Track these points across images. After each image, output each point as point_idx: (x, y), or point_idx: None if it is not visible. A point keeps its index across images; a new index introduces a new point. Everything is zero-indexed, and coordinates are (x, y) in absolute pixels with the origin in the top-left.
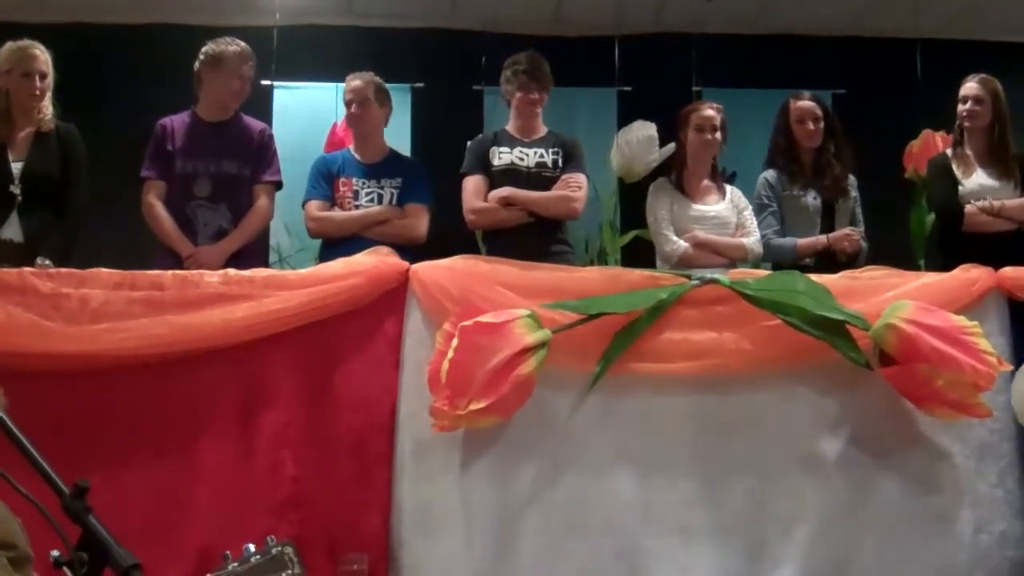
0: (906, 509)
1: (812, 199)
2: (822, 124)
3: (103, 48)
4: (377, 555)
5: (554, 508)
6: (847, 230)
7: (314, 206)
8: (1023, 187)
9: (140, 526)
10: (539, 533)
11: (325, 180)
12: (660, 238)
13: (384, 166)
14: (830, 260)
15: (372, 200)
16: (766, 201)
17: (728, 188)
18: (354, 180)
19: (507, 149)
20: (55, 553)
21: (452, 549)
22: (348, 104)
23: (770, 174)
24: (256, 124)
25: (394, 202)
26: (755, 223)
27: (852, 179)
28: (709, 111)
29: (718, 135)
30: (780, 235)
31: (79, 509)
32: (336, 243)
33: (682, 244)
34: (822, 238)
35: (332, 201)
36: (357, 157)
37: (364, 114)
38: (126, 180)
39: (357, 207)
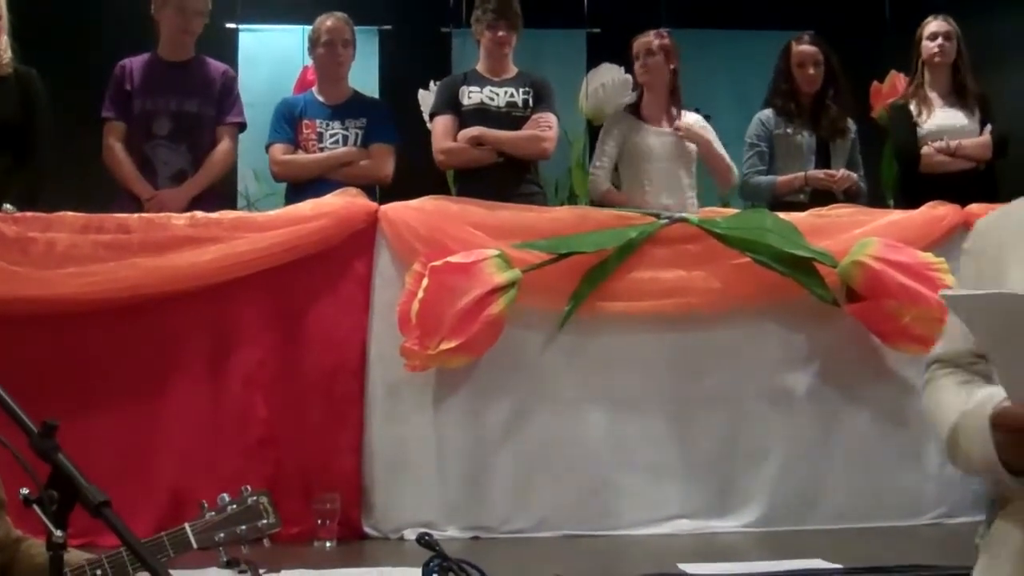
0: (873, 443)
1: (807, 138)
2: (822, 68)
3: None
4: (350, 494)
5: (525, 446)
6: (823, 172)
7: (278, 149)
8: (982, 124)
9: (112, 468)
10: (511, 471)
11: (288, 123)
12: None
13: (348, 107)
14: (829, 199)
15: (337, 142)
16: (755, 140)
17: (690, 117)
18: (317, 122)
19: (477, 88)
20: (24, 491)
21: (424, 488)
22: (327, 44)
23: (764, 114)
24: (218, 65)
25: (359, 143)
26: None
27: (851, 122)
28: (645, 37)
29: (658, 58)
30: (765, 175)
31: (48, 447)
32: (302, 186)
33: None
34: (800, 175)
35: (296, 144)
36: (320, 99)
37: (345, 55)
38: (89, 122)
39: (322, 149)
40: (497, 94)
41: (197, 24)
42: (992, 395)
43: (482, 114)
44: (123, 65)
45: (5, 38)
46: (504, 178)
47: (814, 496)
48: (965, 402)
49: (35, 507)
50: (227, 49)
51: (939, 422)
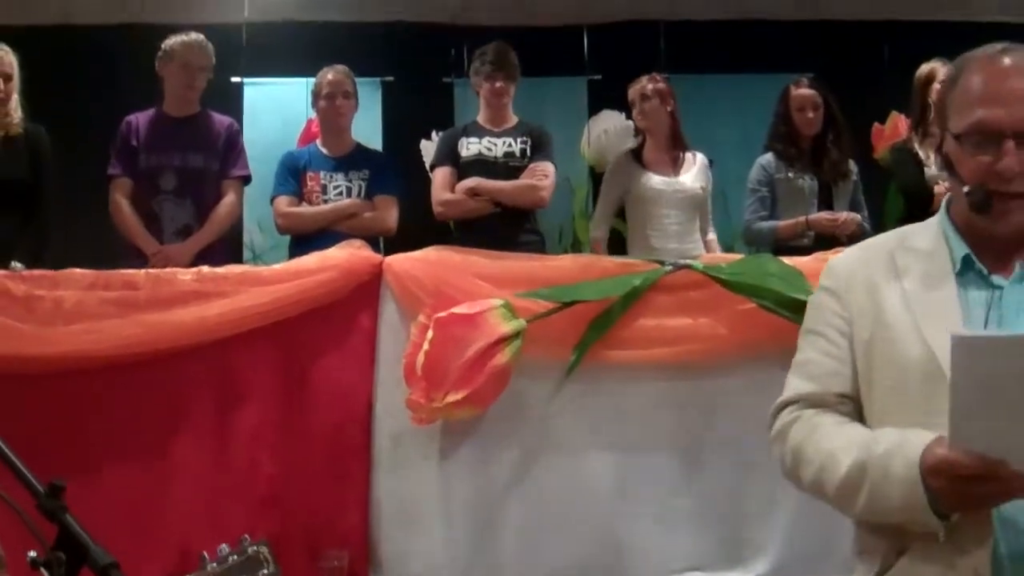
0: None
1: (808, 181)
2: (822, 111)
3: (71, 49)
4: (357, 551)
5: (533, 498)
6: (827, 213)
7: (282, 202)
8: None
9: (119, 526)
10: (519, 523)
11: (292, 175)
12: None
13: (351, 159)
14: (834, 242)
15: (340, 194)
16: (756, 186)
17: (697, 159)
18: (321, 174)
19: (475, 139)
20: (32, 554)
21: (432, 542)
22: (328, 96)
23: (765, 159)
24: (223, 119)
25: (363, 195)
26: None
27: (852, 164)
28: (640, 83)
29: (654, 102)
30: (767, 220)
31: (55, 508)
32: (306, 238)
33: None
34: (802, 219)
35: (300, 196)
36: (324, 151)
37: (346, 106)
38: (97, 179)
39: (326, 201)
40: (495, 144)
41: (201, 80)
42: (907, 438)
43: (480, 165)
44: (128, 121)
45: (16, 97)
46: (502, 228)
47: (827, 546)
48: (868, 443)
49: (42, 570)
50: (233, 102)
51: (824, 464)
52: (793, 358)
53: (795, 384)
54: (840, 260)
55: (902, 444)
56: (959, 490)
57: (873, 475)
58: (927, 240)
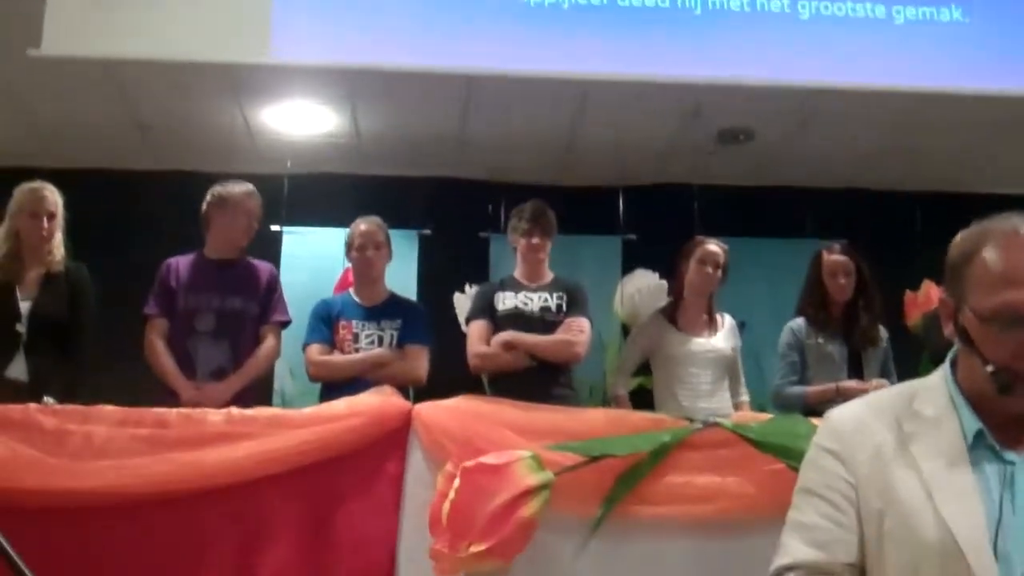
0: None
1: (839, 347)
2: (854, 278)
3: (117, 193)
4: None
5: None
6: (857, 381)
7: (314, 350)
8: None
9: None
10: None
11: (325, 323)
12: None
13: (384, 308)
14: None
15: (372, 342)
16: (786, 350)
17: (726, 321)
18: (354, 323)
19: (512, 294)
20: None
21: None
22: (360, 247)
23: (796, 323)
24: (263, 265)
25: (394, 344)
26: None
27: (883, 331)
28: (713, 246)
29: (719, 272)
30: (797, 384)
31: None
32: (336, 386)
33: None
34: (832, 386)
35: (332, 344)
36: (357, 300)
37: (377, 257)
38: (134, 319)
39: (357, 350)
40: (531, 299)
41: (253, 227)
42: None
43: (516, 318)
44: (168, 263)
45: (59, 235)
46: (537, 381)
47: None
48: None
49: None
50: (272, 250)
51: None
52: (788, 514)
53: (795, 548)
54: (841, 419)
55: None
56: None
57: None
58: (935, 406)
